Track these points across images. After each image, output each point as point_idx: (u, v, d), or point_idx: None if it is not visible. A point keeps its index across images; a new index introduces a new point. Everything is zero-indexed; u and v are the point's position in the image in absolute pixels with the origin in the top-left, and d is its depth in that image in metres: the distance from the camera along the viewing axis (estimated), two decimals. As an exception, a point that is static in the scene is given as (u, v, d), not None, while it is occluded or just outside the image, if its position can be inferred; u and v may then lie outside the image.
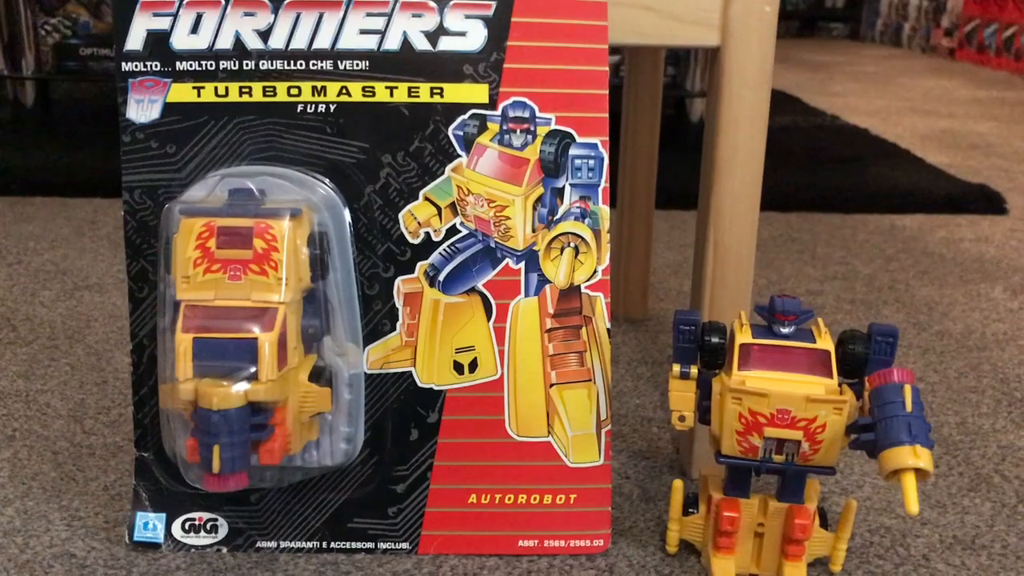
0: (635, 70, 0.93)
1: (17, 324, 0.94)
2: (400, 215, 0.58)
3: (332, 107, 0.57)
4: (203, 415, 0.51)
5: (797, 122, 2.12)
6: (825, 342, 0.54)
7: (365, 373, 0.58)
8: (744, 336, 0.54)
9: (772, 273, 1.16)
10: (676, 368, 0.56)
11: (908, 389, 0.50)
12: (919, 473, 0.48)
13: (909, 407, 0.50)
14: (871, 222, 1.42)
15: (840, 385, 0.53)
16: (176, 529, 0.60)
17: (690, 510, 0.59)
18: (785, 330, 0.54)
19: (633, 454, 0.73)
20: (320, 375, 0.56)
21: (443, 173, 0.58)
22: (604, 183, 0.59)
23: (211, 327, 0.52)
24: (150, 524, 0.60)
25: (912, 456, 0.48)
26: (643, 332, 0.97)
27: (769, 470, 0.54)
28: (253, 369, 0.51)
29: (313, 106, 0.57)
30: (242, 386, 0.51)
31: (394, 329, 0.58)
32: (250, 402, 0.52)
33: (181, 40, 0.57)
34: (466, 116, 0.57)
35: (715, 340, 0.55)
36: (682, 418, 0.56)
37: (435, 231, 0.58)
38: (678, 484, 0.58)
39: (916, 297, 1.09)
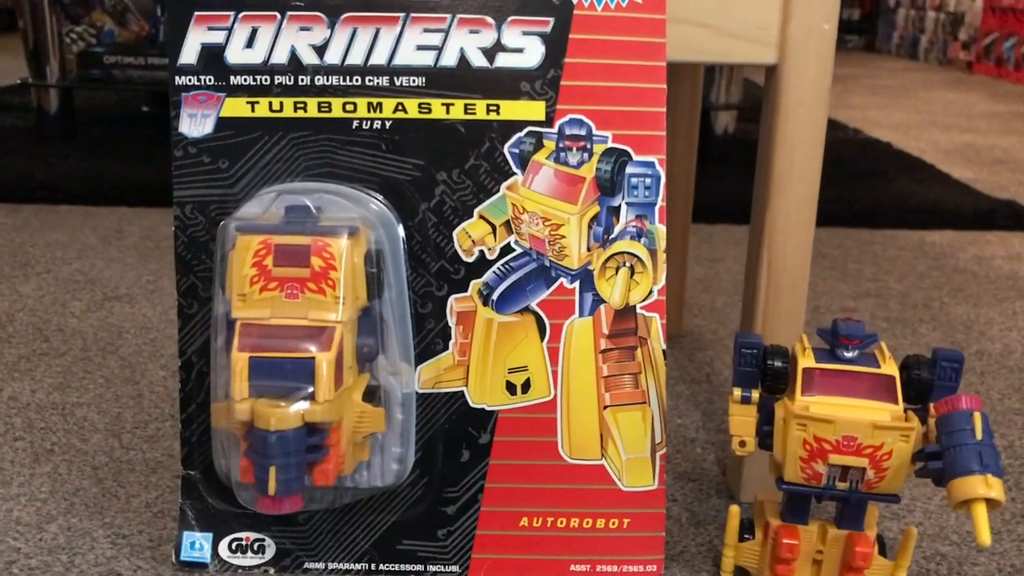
0: (673, 85, 0.92)
1: (49, 335, 0.94)
2: (454, 233, 0.57)
3: (388, 124, 0.56)
4: (259, 436, 0.50)
5: (819, 135, 2.11)
6: (890, 367, 0.53)
7: (417, 392, 0.58)
8: (807, 360, 0.53)
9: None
10: (737, 392, 0.55)
11: (978, 416, 0.49)
12: (990, 503, 0.47)
13: (979, 435, 0.49)
14: (900, 238, 1.40)
15: (905, 411, 0.52)
16: (223, 549, 0.59)
17: (745, 536, 0.58)
18: (849, 354, 0.53)
19: (678, 476, 0.72)
20: (373, 395, 0.55)
21: (498, 191, 0.57)
22: (661, 202, 0.58)
23: (267, 346, 0.51)
24: (197, 544, 0.59)
25: (984, 486, 0.47)
26: (679, 349, 0.96)
27: (832, 497, 0.53)
28: (310, 389, 0.51)
29: (368, 122, 0.57)
30: (299, 406, 0.50)
31: (446, 348, 0.58)
32: (306, 423, 0.51)
33: (236, 54, 0.56)
34: (522, 134, 0.57)
35: (778, 364, 0.54)
36: (743, 443, 0.55)
37: (489, 249, 0.57)
38: (735, 510, 0.57)
39: (952, 316, 1.08)
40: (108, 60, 1.70)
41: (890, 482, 0.52)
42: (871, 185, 1.65)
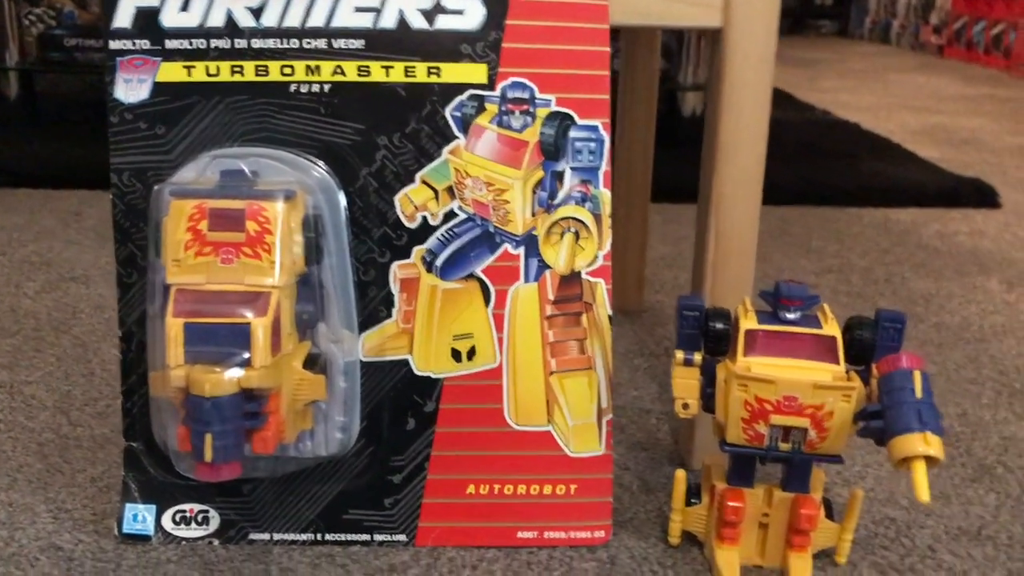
0: (630, 61, 0.92)
1: (1, 315, 0.92)
2: (396, 198, 0.56)
3: (326, 87, 0.56)
4: (195, 402, 0.49)
5: (788, 117, 2.12)
6: (832, 328, 0.53)
7: (360, 361, 0.57)
8: (749, 322, 0.53)
9: (767, 266, 1.15)
10: (679, 355, 0.55)
11: (918, 375, 0.49)
12: (929, 461, 0.47)
13: (919, 393, 0.49)
14: (865, 216, 1.41)
15: (847, 372, 0.52)
16: (167, 521, 0.58)
17: (692, 501, 0.58)
18: (791, 316, 0.53)
19: (632, 445, 0.72)
20: (315, 362, 0.55)
21: (440, 155, 0.56)
22: (605, 166, 0.57)
23: (202, 312, 0.51)
24: (140, 516, 0.58)
25: (923, 443, 0.47)
26: (639, 324, 0.96)
27: (775, 458, 0.53)
28: (246, 355, 0.50)
29: (307, 86, 0.56)
30: (235, 372, 0.50)
31: (390, 316, 0.57)
32: (243, 389, 0.50)
33: (171, 17, 0.55)
34: (464, 97, 0.56)
35: (719, 326, 0.54)
36: (686, 405, 0.55)
37: (432, 215, 0.57)
38: (680, 474, 0.57)
39: (912, 290, 1.09)
40: (68, 43, 1.68)
41: (832, 442, 0.52)
42: (838, 165, 1.66)
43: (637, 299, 1.00)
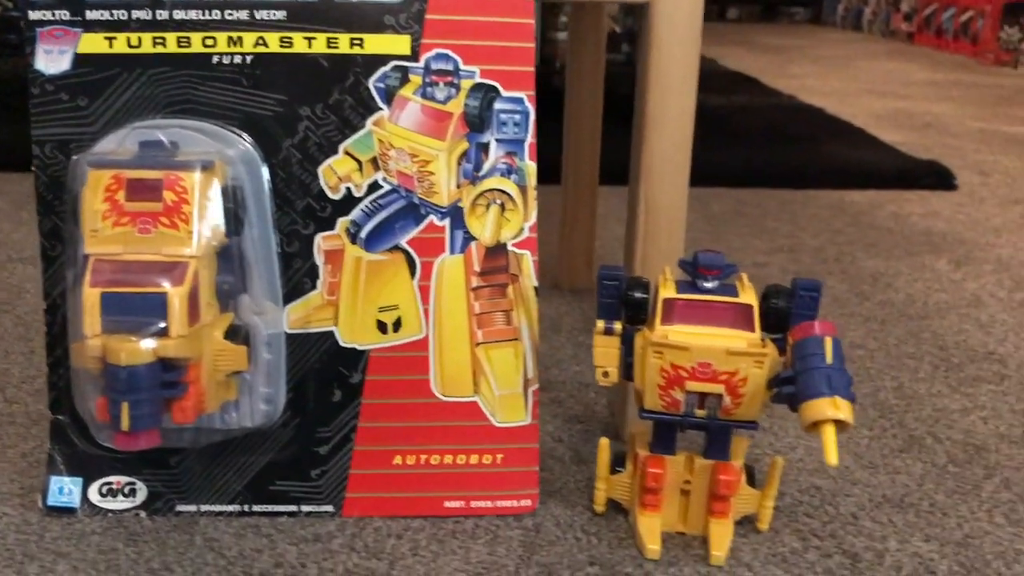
0: (577, 45, 0.92)
1: (-56, 296, 0.92)
2: (320, 170, 0.56)
3: (248, 58, 0.56)
4: (111, 372, 0.50)
5: (753, 102, 2.13)
6: (748, 296, 0.53)
7: (286, 333, 0.57)
8: (667, 291, 0.54)
9: (720, 245, 1.16)
10: (600, 324, 0.55)
11: (829, 341, 0.50)
12: (839, 425, 0.48)
13: (829, 359, 0.49)
14: (822, 197, 1.42)
15: (763, 339, 0.53)
16: (93, 494, 0.58)
17: (617, 469, 0.59)
18: (708, 284, 0.54)
19: (569, 418, 0.72)
20: (237, 334, 0.55)
21: (364, 127, 0.56)
22: (531, 138, 0.58)
23: (120, 281, 0.51)
24: (65, 489, 0.58)
25: (832, 407, 0.48)
26: (587, 302, 0.97)
27: (692, 425, 0.54)
28: (163, 324, 0.50)
29: (229, 57, 0.56)
30: (151, 341, 0.50)
31: (315, 287, 0.57)
32: (160, 358, 0.50)
33: (91, -12, 0.55)
34: (387, 68, 0.56)
35: (638, 295, 0.54)
36: (606, 374, 0.55)
37: (356, 186, 0.57)
38: (604, 443, 0.57)
39: (861, 269, 1.10)
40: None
41: (747, 408, 0.53)
42: (798, 148, 1.67)
43: (587, 277, 1.00)
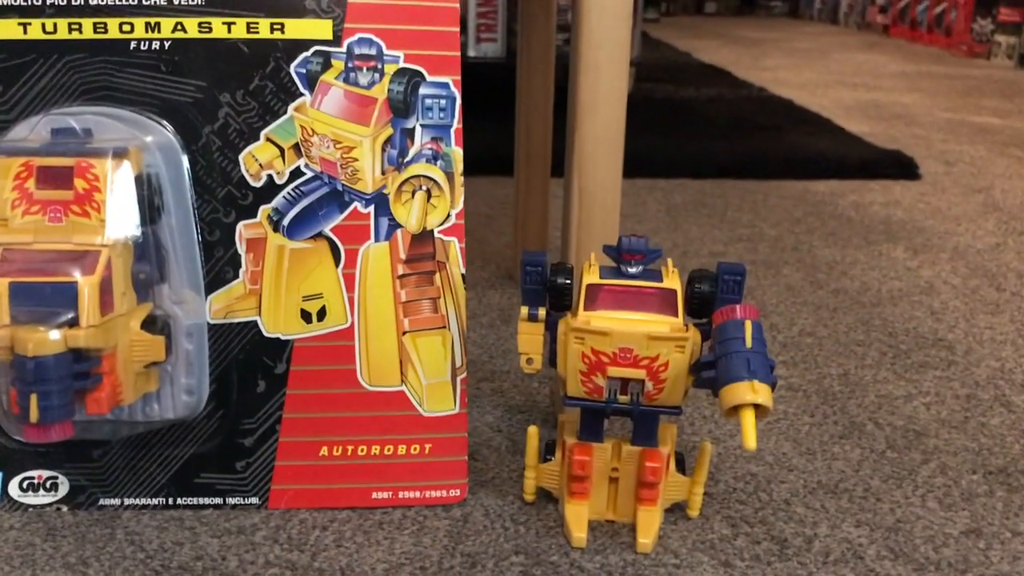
0: (528, 35, 0.91)
1: None
2: (240, 157, 0.56)
3: (167, 44, 0.55)
4: (19, 362, 0.49)
5: (723, 94, 2.13)
6: (672, 281, 0.53)
7: (208, 323, 0.56)
8: (591, 276, 0.53)
9: (679, 236, 1.16)
10: (524, 310, 0.55)
11: (749, 325, 0.49)
12: (759, 410, 0.47)
13: (749, 343, 0.49)
14: (784, 188, 1.42)
15: (686, 324, 0.52)
16: (13, 488, 0.57)
17: (548, 457, 0.58)
18: (633, 270, 0.53)
19: (509, 408, 0.72)
20: (155, 324, 0.54)
21: (285, 113, 0.56)
22: (457, 124, 0.57)
23: (29, 271, 0.50)
24: (-15, 484, 0.57)
25: (750, 392, 0.47)
26: (539, 292, 0.96)
27: (616, 411, 0.53)
28: (72, 314, 0.49)
29: (147, 43, 0.55)
30: (61, 331, 0.49)
31: (237, 277, 0.56)
32: (72, 349, 0.49)
33: (3, -27, 0.54)
34: (309, 53, 0.55)
35: (560, 281, 0.54)
36: (530, 361, 0.55)
37: (278, 173, 0.56)
38: (533, 431, 0.57)
39: (818, 257, 1.10)
40: None
41: (669, 394, 0.52)
42: (763, 139, 1.67)
43: (539, 269, 0.99)
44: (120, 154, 0.51)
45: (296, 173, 0.56)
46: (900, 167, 1.50)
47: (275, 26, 0.55)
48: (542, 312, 0.54)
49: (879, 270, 1.05)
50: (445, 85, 0.57)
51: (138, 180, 0.52)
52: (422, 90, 0.56)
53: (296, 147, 0.56)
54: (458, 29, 0.57)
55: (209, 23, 0.55)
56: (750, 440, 0.47)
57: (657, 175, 1.45)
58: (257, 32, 0.55)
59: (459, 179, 0.57)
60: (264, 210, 0.56)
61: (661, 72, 2.44)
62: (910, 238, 1.18)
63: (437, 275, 0.58)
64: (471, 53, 1.83)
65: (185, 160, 0.55)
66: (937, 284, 1.01)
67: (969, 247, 1.14)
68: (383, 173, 0.57)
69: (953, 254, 1.11)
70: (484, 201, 1.29)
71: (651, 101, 1.99)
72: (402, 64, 0.56)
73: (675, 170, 1.46)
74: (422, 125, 0.57)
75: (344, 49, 0.55)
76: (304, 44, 0.55)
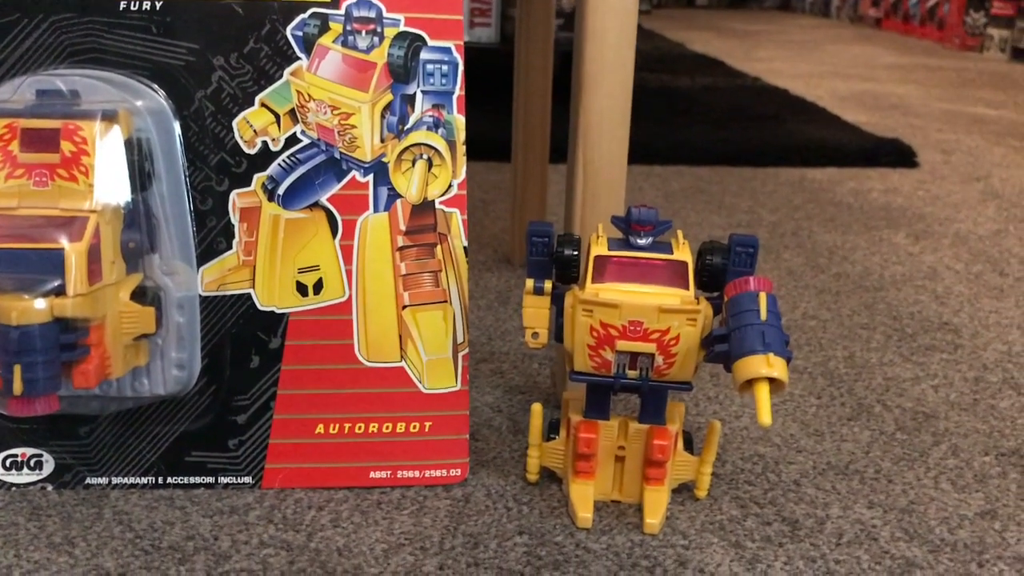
0: (526, 21, 0.89)
1: None
2: (234, 123, 0.53)
3: (158, 4, 0.52)
4: (3, 332, 0.46)
5: (718, 83, 2.11)
6: (683, 253, 0.51)
7: (200, 295, 0.54)
8: (599, 248, 0.51)
9: (677, 221, 1.14)
10: (529, 283, 0.53)
11: (763, 297, 0.48)
12: (773, 384, 0.46)
13: (764, 315, 0.47)
14: (782, 175, 1.40)
15: (698, 297, 0.50)
16: (-4, 467, 0.55)
17: (551, 436, 0.56)
18: (642, 241, 0.51)
19: (510, 388, 0.70)
20: (144, 295, 0.52)
21: (281, 77, 0.53)
22: (459, 91, 0.55)
23: (13, 236, 0.47)
24: (-33, 462, 0.55)
25: (765, 365, 0.45)
26: (537, 275, 0.94)
27: (624, 387, 0.51)
28: (59, 282, 0.47)
29: (137, 3, 0.52)
30: (47, 300, 0.47)
31: (230, 247, 0.54)
32: (58, 319, 0.47)
33: (-14, -72, 0.51)
34: (306, 15, 0.53)
35: (567, 252, 0.52)
36: (535, 335, 0.53)
37: (273, 140, 0.54)
38: (536, 408, 0.55)
39: (818, 242, 1.08)
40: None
41: (680, 368, 0.50)
42: (761, 127, 1.65)
43: (537, 251, 0.98)
44: (109, 117, 0.49)
45: (292, 140, 0.54)
46: (898, 155, 1.49)
47: (271, -13, 0.53)
48: (548, 285, 0.52)
49: (880, 255, 1.04)
50: (447, 50, 0.55)
51: (128, 144, 0.50)
52: (423, 55, 0.54)
53: (292, 113, 0.54)
54: (461, -8, 0.55)
55: (202, -17, 0.52)
56: (765, 415, 0.45)
57: (654, 162, 1.43)
58: (252, -7, 0.53)
59: (461, 148, 0.55)
60: (259, 178, 0.54)
61: (654, 62, 2.42)
62: (911, 224, 1.16)
63: (438, 247, 0.56)
64: (465, 38, 1.80)
65: (177, 126, 0.53)
66: (940, 269, 0.99)
67: (970, 233, 1.13)
68: (382, 141, 0.55)
69: (955, 240, 1.10)
70: (479, 186, 1.27)
71: (645, 90, 1.96)
72: (402, 28, 0.54)
73: (672, 157, 1.44)
74: (423, 91, 0.55)
75: (343, 11, 0.53)
76: (301, 6, 0.53)
